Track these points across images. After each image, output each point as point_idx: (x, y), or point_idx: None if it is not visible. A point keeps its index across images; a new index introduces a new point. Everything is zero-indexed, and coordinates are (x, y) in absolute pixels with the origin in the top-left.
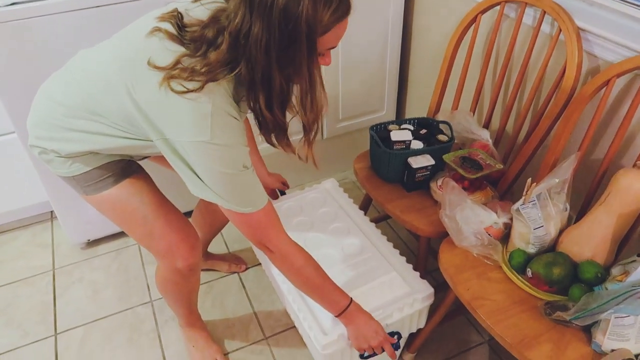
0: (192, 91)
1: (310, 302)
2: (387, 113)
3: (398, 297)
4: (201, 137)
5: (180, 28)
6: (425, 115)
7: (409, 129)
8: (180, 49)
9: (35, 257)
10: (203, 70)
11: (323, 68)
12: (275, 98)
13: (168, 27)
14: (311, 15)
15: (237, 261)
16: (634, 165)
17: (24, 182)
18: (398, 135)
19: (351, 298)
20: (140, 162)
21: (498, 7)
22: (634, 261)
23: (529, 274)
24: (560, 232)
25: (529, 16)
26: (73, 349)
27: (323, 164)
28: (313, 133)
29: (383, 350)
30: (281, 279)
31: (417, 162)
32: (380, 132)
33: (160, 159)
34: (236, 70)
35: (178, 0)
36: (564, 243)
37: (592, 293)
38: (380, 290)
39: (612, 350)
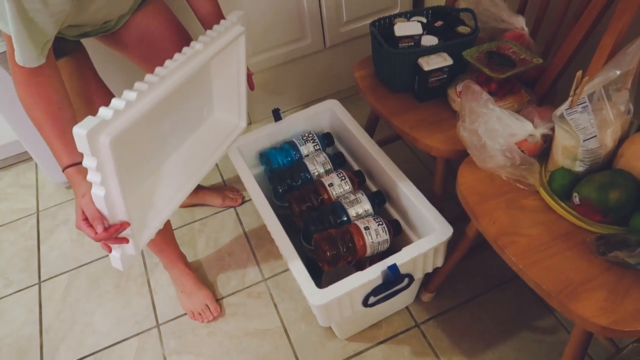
0: None
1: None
2: (401, 8)
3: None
4: None
5: None
6: (443, 4)
7: (420, 21)
8: None
9: (18, 199)
10: None
11: None
12: None
13: None
14: None
15: (232, 194)
16: None
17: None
18: (404, 29)
19: (78, 162)
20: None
21: None
22: None
23: (576, 199)
24: (620, 143)
25: None
26: (57, 297)
27: (327, 77)
28: None
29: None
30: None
31: (430, 62)
32: (384, 29)
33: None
34: None
35: None
36: (625, 157)
37: None
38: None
39: None
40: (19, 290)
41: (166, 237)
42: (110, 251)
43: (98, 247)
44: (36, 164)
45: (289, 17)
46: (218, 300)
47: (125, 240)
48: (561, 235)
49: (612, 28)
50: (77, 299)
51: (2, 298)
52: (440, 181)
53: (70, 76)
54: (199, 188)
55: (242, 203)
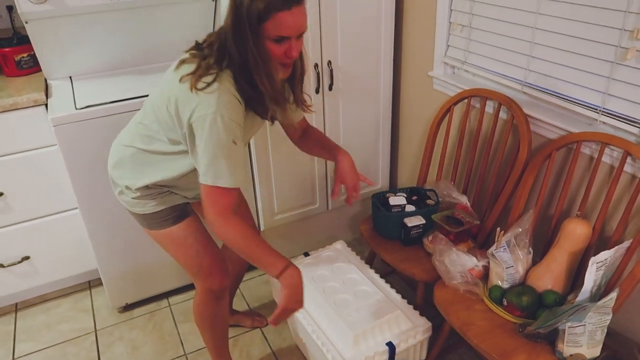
0: (210, 83)
1: (331, 337)
2: (381, 185)
3: (403, 331)
4: (208, 110)
5: (198, 45)
6: (415, 185)
7: (403, 196)
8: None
9: (78, 320)
10: (212, 61)
11: None
12: (240, 72)
13: (190, 52)
14: (247, 4)
15: (258, 317)
16: (576, 215)
17: (73, 254)
18: (395, 200)
19: (290, 262)
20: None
21: (466, 100)
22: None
23: (505, 303)
24: (527, 270)
25: (490, 107)
26: None
27: (330, 230)
28: (285, 101)
29: None
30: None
31: (411, 221)
32: (379, 199)
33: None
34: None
35: None
36: (530, 278)
37: (550, 310)
38: (388, 326)
39: (571, 356)
40: None
41: (226, 343)
42: None
43: (150, 358)
44: (90, 293)
45: (304, 187)
46: None
47: None
48: (498, 325)
49: (515, 206)
50: None
51: None
52: (421, 296)
53: (201, 231)
54: (234, 312)
55: (266, 325)
